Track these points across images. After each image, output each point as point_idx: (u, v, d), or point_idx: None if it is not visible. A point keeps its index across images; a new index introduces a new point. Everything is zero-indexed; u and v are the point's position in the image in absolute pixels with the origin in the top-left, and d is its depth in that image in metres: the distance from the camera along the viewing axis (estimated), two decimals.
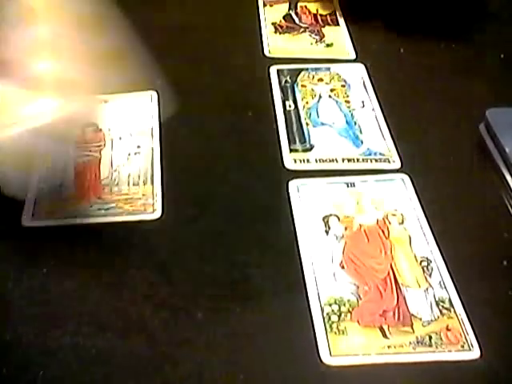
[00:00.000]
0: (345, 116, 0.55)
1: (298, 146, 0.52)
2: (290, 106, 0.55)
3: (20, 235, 0.45)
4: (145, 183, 0.48)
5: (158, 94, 0.56)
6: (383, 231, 0.46)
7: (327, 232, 0.45)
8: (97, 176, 0.49)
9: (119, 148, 0.51)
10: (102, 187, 0.48)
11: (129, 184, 0.49)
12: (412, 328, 0.40)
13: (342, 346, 0.39)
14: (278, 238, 0.45)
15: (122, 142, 0.52)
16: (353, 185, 0.49)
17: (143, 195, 0.48)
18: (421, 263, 0.43)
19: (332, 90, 0.57)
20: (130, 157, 0.51)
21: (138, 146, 0.51)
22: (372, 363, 0.38)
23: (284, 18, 0.67)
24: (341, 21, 0.66)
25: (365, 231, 0.46)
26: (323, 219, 0.46)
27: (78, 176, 0.49)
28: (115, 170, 0.50)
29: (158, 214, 0.46)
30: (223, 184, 0.49)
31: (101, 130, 0.53)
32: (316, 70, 0.59)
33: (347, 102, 0.56)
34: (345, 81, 0.58)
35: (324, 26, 0.65)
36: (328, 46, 0.63)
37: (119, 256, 0.44)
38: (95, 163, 0.50)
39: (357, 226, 0.46)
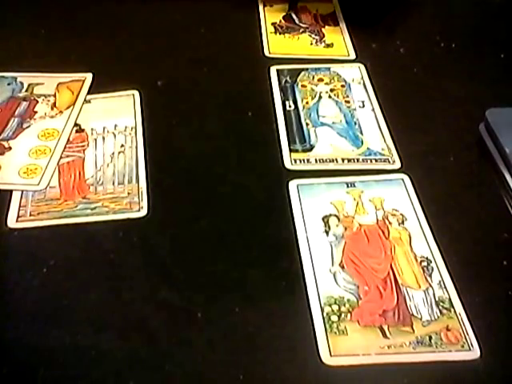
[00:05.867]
0: (345, 116, 0.55)
1: (298, 146, 0.52)
2: (290, 106, 0.55)
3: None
4: (130, 182, 0.49)
5: (140, 92, 0.56)
6: (383, 231, 0.45)
7: (327, 232, 0.45)
8: (81, 176, 0.49)
9: (103, 147, 0.52)
10: (87, 187, 0.49)
11: (114, 183, 0.49)
12: (412, 328, 0.40)
13: (342, 346, 0.39)
14: (277, 238, 0.45)
15: (105, 142, 0.52)
16: (353, 185, 0.49)
17: (129, 194, 0.48)
18: (421, 263, 0.43)
19: (332, 90, 0.57)
20: (114, 156, 0.51)
21: (122, 145, 0.52)
22: (372, 363, 0.38)
23: (284, 18, 0.67)
24: (341, 21, 0.66)
25: (365, 231, 0.46)
26: (323, 219, 0.46)
27: (62, 176, 0.49)
28: (99, 170, 0.50)
29: (144, 212, 0.47)
30: (223, 184, 0.49)
31: (84, 130, 0.53)
32: (316, 70, 0.59)
33: (347, 102, 0.56)
34: (345, 81, 0.58)
35: (324, 26, 0.65)
36: (328, 46, 0.63)
37: (119, 256, 0.44)
38: (79, 163, 0.50)
39: (357, 226, 0.46)
